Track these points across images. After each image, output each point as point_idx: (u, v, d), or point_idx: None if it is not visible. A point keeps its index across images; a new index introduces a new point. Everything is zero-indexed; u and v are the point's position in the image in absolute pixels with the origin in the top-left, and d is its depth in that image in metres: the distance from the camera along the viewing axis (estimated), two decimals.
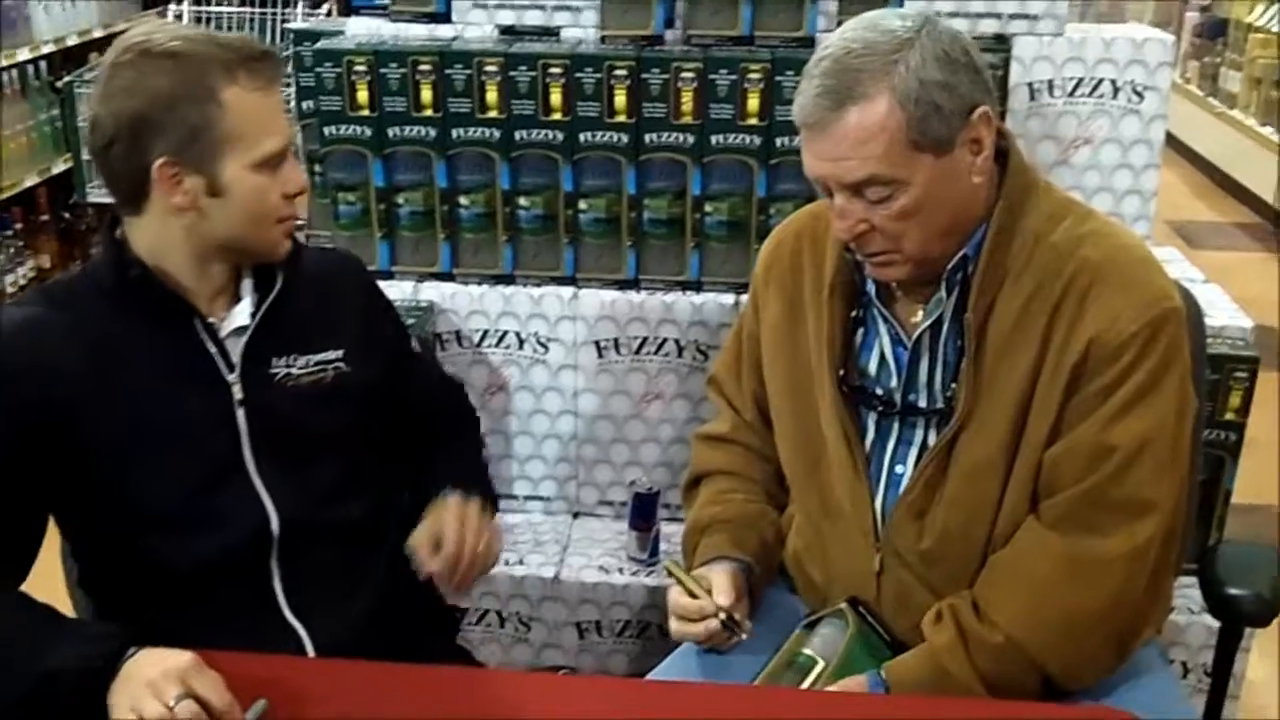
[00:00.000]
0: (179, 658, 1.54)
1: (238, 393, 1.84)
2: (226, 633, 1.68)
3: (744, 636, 1.90)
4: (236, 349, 1.86)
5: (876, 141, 1.68)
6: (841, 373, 1.91)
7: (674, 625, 1.94)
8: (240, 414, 1.84)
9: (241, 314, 1.87)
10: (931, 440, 1.87)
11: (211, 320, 1.84)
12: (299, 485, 1.87)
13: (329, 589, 1.88)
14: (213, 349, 1.84)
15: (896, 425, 1.91)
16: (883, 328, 1.90)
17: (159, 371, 1.81)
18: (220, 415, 1.84)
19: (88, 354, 1.78)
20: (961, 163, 1.74)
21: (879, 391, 1.91)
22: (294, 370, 1.89)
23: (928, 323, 1.84)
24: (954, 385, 1.83)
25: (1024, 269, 1.78)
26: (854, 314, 1.92)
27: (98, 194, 4.36)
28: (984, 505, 1.83)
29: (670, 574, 1.96)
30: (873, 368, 1.91)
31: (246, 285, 1.88)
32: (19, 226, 5.11)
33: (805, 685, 1.85)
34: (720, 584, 1.93)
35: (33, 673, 1.58)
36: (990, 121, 1.74)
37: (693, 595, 1.92)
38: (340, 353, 1.94)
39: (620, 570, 2.73)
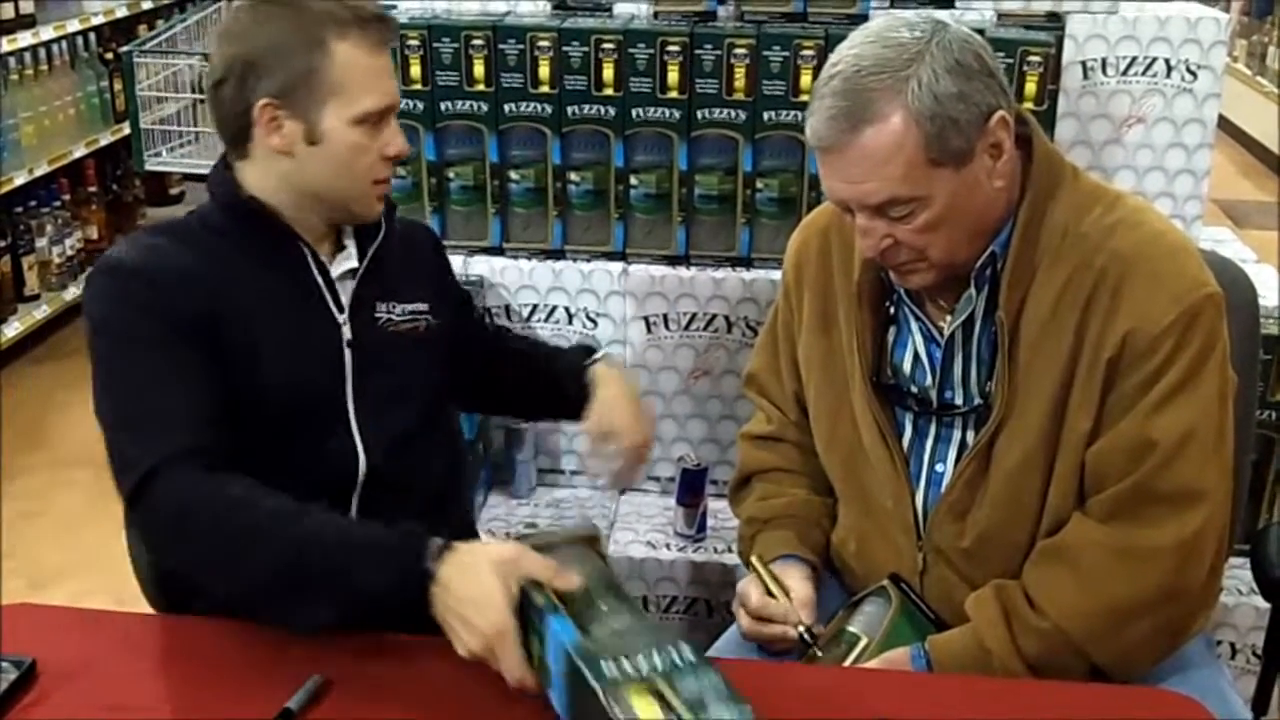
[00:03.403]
0: (505, 549, 1.60)
1: (347, 333, 1.90)
2: None
3: (819, 654, 1.88)
4: (346, 291, 1.92)
5: (894, 163, 1.66)
6: (874, 374, 1.90)
7: (747, 623, 1.93)
8: (348, 354, 1.90)
9: (349, 258, 1.93)
10: (970, 438, 1.86)
11: (324, 260, 1.90)
12: (387, 431, 1.92)
13: None
14: (325, 290, 1.90)
15: (934, 424, 1.90)
16: (914, 326, 1.89)
17: (276, 306, 1.86)
18: (330, 354, 1.89)
19: (216, 274, 1.83)
20: (982, 169, 1.71)
21: (914, 390, 1.90)
22: (393, 316, 1.96)
23: (959, 321, 1.82)
24: (989, 383, 1.82)
25: (1054, 262, 1.76)
26: (886, 311, 1.91)
27: (156, 163, 4.40)
28: (1026, 504, 1.82)
29: (753, 569, 1.97)
30: (907, 366, 1.91)
31: (348, 231, 1.94)
32: (66, 198, 5.14)
33: (849, 661, 1.85)
34: (800, 594, 1.93)
35: (343, 593, 1.62)
36: (1008, 124, 1.71)
37: (770, 594, 1.92)
38: (426, 305, 2.00)
39: (667, 546, 2.73)
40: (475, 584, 1.54)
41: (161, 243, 1.86)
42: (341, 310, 1.91)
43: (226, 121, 1.86)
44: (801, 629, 1.88)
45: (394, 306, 1.96)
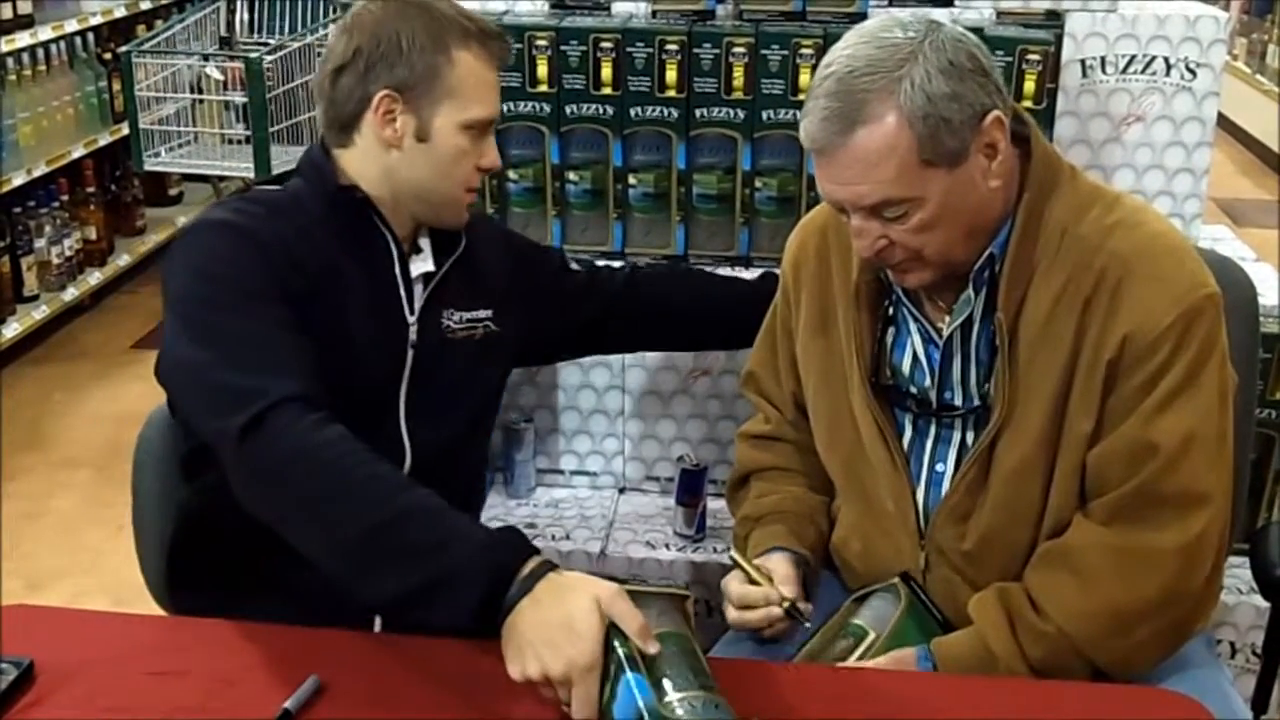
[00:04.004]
0: (606, 586, 1.53)
1: (413, 334, 1.95)
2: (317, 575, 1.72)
3: (807, 625, 1.89)
4: (419, 294, 1.97)
5: (887, 164, 1.66)
6: (873, 375, 1.90)
7: (733, 614, 1.93)
8: (410, 355, 1.94)
9: (426, 263, 1.97)
10: (970, 439, 1.86)
11: (410, 261, 1.95)
12: (434, 434, 1.96)
13: None
14: (402, 289, 1.94)
15: (933, 425, 1.90)
16: (913, 327, 1.89)
17: (358, 295, 1.90)
18: (393, 351, 1.94)
19: (311, 252, 1.86)
20: (976, 170, 1.71)
21: (913, 390, 1.91)
22: (453, 323, 2.00)
23: (957, 322, 1.82)
24: (988, 384, 1.82)
25: (1053, 263, 1.76)
26: (885, 311, 1.91)
27: (155, 163, 4.40)
28: (1027, 507, 1.82)
29: (733, 561, 1.97)
30: (905, 367, 1.91)
31: (425, 235, 1.99)
32: (65, 198, 5.14)
33: (855, 655, 1.85)
34: (782, 573, 1.93)
35: (430, 567, 1.56)
36: (1003, 124, 1.71)
37: (754, 583, 1.92)
38: (490, 313, 2.04)
39: (667, 546, 2.73)
40: (573, 610, 1.50)
41: (262, 212, 1.89)
42: (413, 312, 1.95)
43: (339, 106, 1.92)
44: (785, 604, 1.88)
45: (453, 314, 2.01)
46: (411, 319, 1.95)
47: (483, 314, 2.04)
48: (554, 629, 1.49)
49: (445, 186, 1.93)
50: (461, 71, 1.89)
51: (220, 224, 1.86)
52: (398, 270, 1.94)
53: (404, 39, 1.87)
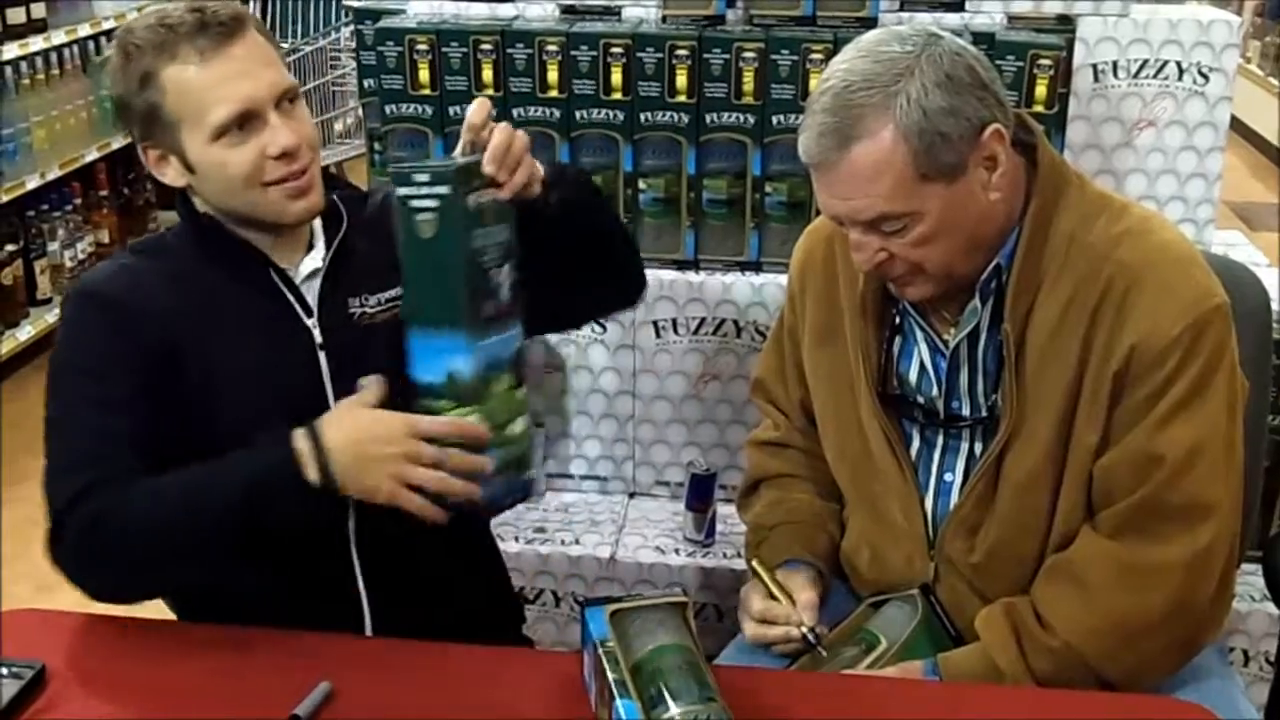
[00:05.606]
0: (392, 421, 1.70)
1: (317, 336, 1.87)
2: (295, 592, 1.76)
3: (823, 653, 1.88)
4: (312, 293, 1.89)
5: (884, 180, 1.66)
6: (880, 384, 1.90)
7: (751, 629, 1.93)
8: (322, 356, 1.87)
9: (314, 259, 1.90)
10: (978, 450, 1.85)
11: (285, 267, 1.87)
12: None
13: (399, 548, 1.87)
14: (289, 295, 1.87)
15: (941, 435, 1.90)
16: (920, 336, 1.88)
17: (244, 320, 1.84)
18: (303, 359, 1.86)
19: (183, 297, 1.83)
20: (976, 183, 1.70)
21: (920, 400, 1.90)
22: (368, 309, 1.91)
23: (964, 333, 1.82)
24: (995, 395, 1.81)
25: (1060, 273, 1.75)
26: (892, 320, 1.90)
27: None
28: (1035, 518, 1.81)
29: (755, 574, 1.96)
30: (913, 376, 1.90)
31: (317, 231, 1.91)
32: (78, 201, 5.14)
33: (865, 663, 1.85)
34: (804, 598, 1.91)
35: (238, 491, 1.68)
36: (1002, 137, 1.70)
37: (773, 598, 1.91)
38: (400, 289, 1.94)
39: (676, 551, 2.73)
40: (359, 420, 1.69)
41: (135, 264, 1.87)
42: (310, 314, 1.88)
43: None
44: (804, 630, 1.88)
45: (367, 298, 1.91)
46: (310, 321, 1.87)
47: (397, 291, 1.89)
48: (366, 443, 1.66)
49: (244, 197, 1.80)
50: (175, 92, 1.74)
51: (76, 292, 1.86)
52: (278, 280, 1.86)
53: (119, 90, 1.79)
